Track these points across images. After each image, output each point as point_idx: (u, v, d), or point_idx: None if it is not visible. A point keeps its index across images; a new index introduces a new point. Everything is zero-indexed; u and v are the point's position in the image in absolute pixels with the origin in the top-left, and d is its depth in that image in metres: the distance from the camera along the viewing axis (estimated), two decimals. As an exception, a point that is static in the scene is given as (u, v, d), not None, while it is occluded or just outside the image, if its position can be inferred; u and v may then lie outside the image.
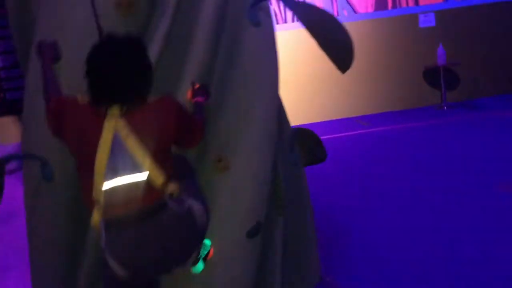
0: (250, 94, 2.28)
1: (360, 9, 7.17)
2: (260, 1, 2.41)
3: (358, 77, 7.04)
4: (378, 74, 7.42)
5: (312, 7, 2.51)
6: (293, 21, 7.03)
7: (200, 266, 2.04)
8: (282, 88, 2.52)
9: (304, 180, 2.90)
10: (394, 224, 3.54)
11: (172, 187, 1.66)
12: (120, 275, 1.64)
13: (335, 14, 7.11)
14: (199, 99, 2.05)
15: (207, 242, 2.12)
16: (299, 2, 2.50)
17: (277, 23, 6.95)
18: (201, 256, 2.02)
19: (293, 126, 2.86)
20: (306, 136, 3.05)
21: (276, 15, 7.01)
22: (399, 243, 3.23)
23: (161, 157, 1.66)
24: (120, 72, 1.61)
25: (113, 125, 1.60)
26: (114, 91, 1.61)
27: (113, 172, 1.59)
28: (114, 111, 1.61)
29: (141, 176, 1.60)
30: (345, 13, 7.21)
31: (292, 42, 6.76)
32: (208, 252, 2.11)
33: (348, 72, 2.25)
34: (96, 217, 1.62)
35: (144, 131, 1.63)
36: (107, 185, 1.60)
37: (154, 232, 1.62)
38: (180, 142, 1.82)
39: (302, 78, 7.16)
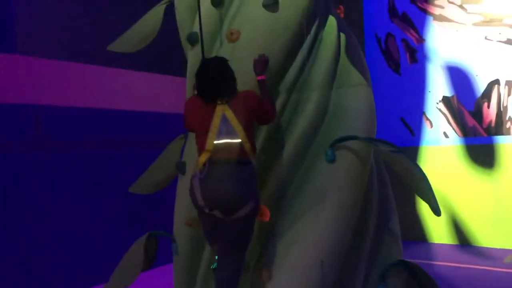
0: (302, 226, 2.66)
1: None
2: (340, 141, 2.73)
3: None
4: None
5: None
6: None
7: None
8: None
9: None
10: None
11: (252, 156, 2.54)
12: (200, 205, 2.50)
13: None
14: (261, 77, 2.73)
15: None
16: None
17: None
18: None
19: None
20: (415, 273, 2.97)
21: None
22: None
23: (248, 130, 2.57)
24: (222, 80, 2.59)
25: (222, 109, 2.58)
26: (219, 91, 2.59)
27: (221, 134, 2.55)
28: (222, 101, 2.59)
29: (237, 140, 2.53)
30: None
31: None
32: None
33: None
34: (203, 158, 2.54)
35: (239, 111, 2.57)
36: (217, 141, 2.54)
37: (232, 175, 2.47)
38: (260, 121, 2.69)
39: None
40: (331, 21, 3.15)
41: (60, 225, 5.01)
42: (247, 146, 2.54)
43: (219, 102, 2.58)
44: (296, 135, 2.80)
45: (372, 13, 6.85)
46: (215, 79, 2.56)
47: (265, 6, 2.84)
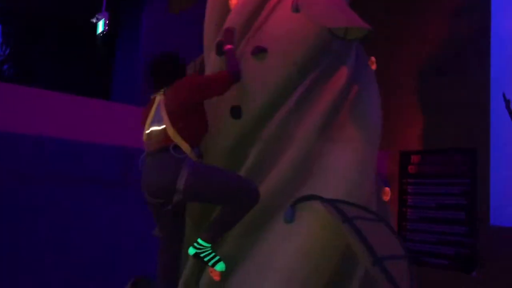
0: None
1: None
2: (302, 201, 2.43)
3: None
4: None
5: None
6: None
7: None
8: None
9: None
10: None
11: (180, 140, 2.46)
12: (145, 196, 2.53)
13: None
14: (228, 46, 2.75)
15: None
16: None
17: None
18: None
19: None
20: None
21: None
22: None
23: (176, 117, 2.51)
24: (156, 71, 2.69)
25: (158, 99, 2.64)
26: (155, 82, 2.68)
27: (152, 123, 2.60)
28: (160, 91, 2.65)
29: (162, 126, 2.53)
30: None
31: None
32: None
33: None
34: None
35: (169, 100, 2.57)
36: (148, 130, 2.61)
37: (155, 163, 2.50)
38: (207, 97, 2.65)
39: None
40: (341, 72, 2.89)
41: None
42: (171, 131, 2.49)
43: (156, 93, 2.66)
44: (262, 189, 2.58)
45: (500, 69, 5.99)
46: (152, 71, 2.69)
47: (252, 54, 2.77)
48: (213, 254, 2.51)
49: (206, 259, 2.50)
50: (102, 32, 6.23)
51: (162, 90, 2.65)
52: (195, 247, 2.51)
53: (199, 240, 2.51)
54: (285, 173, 2.61)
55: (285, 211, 2.48)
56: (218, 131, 2.71)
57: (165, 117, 2.54)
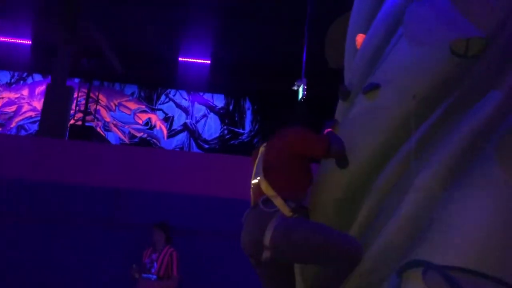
0: None
1: None
2: (409, 267, 1.85)
3: None
4: None
5: None
6: None
7: None
8: None
9: None
10: None
11: (271, 193, 2.25)
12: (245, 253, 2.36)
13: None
14: (328, 129, 2.49)
15: None
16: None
17: None
18: None
19: None
20: None
21: None
22: None
23: (271, 169, 2.34)
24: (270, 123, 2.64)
25: (260, 150, 2.49)
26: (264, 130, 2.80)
27: (254, 175, 2.45)
28: (264, 143, 2.53)
29: (256, 180, 2.39)
30: None
31: None
32: None
33: None
34: None
35: (267, 150, 2.44)
36: (252, 182, 2.46)
37: (249, 218, 2.33)
38: (304, 155, 2.39)
39: None
40: (485, 101, 2.23)
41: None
42: (263, 184, 2.29)
43: (262, 143, 2.54)
44: (373, 249, 2.10)
45: None
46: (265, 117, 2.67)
47: (363, 92, 2.41)
48: None
49: None
50: (302, 98, 6.44)
51: (267, 139, 2.52)
52: None
53: None
54: (399, 230, 2.09)
55: (389, 281, 1.95)
56: (324, 182, 2.39)
57: (260, 169, 2.38)
